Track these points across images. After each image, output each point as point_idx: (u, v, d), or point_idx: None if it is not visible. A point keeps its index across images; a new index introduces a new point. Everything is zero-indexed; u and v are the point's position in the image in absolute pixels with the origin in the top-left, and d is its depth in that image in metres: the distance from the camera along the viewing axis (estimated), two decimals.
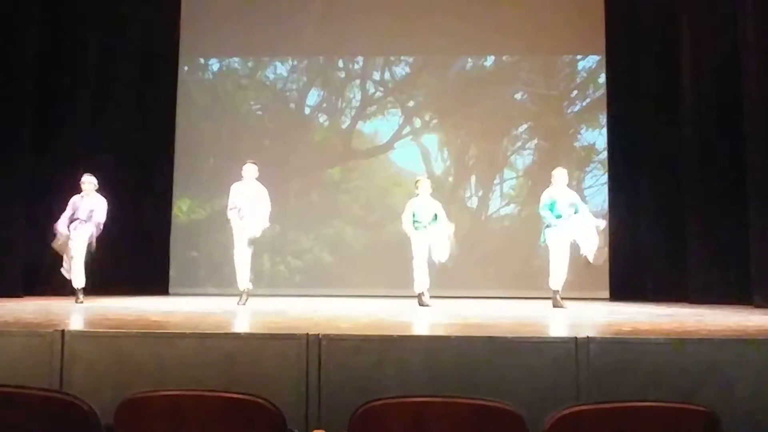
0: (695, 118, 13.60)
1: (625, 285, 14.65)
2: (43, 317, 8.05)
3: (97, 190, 12.48)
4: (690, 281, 13.47)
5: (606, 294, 14.57)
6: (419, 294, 11.77)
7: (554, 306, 11.46)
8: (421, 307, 11.31)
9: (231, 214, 12.07)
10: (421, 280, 11.82)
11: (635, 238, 14.81)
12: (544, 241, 11.91)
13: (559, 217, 11.71)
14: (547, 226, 11.78)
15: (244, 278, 11.98)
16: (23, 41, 13.76)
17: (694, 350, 5.66)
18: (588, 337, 5.70)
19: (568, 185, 12.22)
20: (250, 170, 12.27)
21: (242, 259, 11.99)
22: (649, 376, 5.54)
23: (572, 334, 5.81)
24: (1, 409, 3.46)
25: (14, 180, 12.27)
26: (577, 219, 11.75)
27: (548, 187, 12.07)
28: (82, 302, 11.79)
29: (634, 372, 5.56)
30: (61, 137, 14.57)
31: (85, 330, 6.11)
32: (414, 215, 12.14)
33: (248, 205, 11.97)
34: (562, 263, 11.66)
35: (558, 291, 11.66)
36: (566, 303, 11.46)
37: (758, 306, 11.45)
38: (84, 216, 12.22)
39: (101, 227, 12.42)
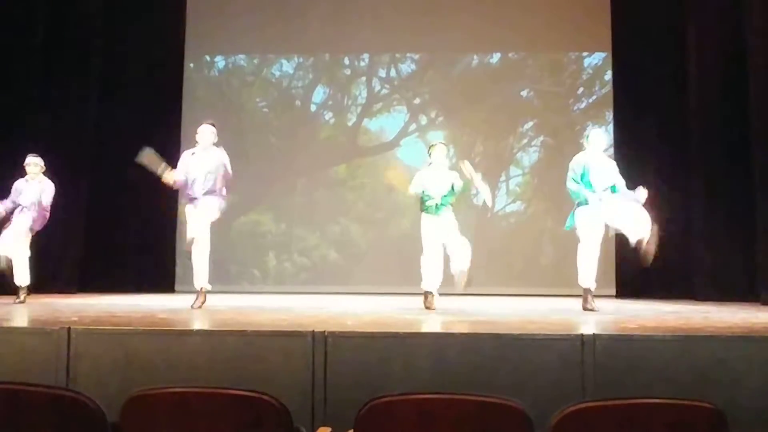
0: (701, 114, 13.61)
1: (631, 282, 14.63)
2: (50, 315, 8.07)
3: (44, 173, 11.23)
4: (696, 278, 13.47)
5: (612, 291, 14.57)
6: (425, 293, 10.01)
7: (584, 308, 9.52)
8: (426, 309, 9.73)
9: (176, 176, 9.88)
10: (430, 277, 9.95)
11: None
12: (571, 225, 9.69)
13: (592, 190, 9.41)
14: (579, 204, 9.53)
15: (200, 275, 10.04)
16: (27, 38, 13.77)
17: (701, 347, 5.66)
18: (594, 334, 5.71)
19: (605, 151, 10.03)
20: (205, 133, 10.15)
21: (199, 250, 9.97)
22: (655, 373, 5.54)
23: (578, 331, 5.82)
24: (9, 406, 3.47)
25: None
26: (615, 198, 9.41)
27: (579, 152, 9.82)
28: (23, 302, 10.72)
29: (641, 369, 5.56)
30: (65, 136, 14.58)
31: (91, 327, 6.10)
32: (424, 190, 10.02)
33: (202, 179, 9.90)
34: (593, 253, 9.47)
35: (590, 289, 9.60)
36: (592, 302, 9.59)
37: (765, 303, 11.44)
38: (27, 202, 10.90)
39: (46, 213, 11.08)
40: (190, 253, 10.14)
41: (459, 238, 9.90)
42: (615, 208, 9.28)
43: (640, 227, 9.08)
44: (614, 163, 9.88)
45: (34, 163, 11.11)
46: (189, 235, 9.91)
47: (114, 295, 13.06)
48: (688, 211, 13.91)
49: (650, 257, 9.18)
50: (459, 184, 10.08)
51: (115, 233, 15.45)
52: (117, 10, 15.76)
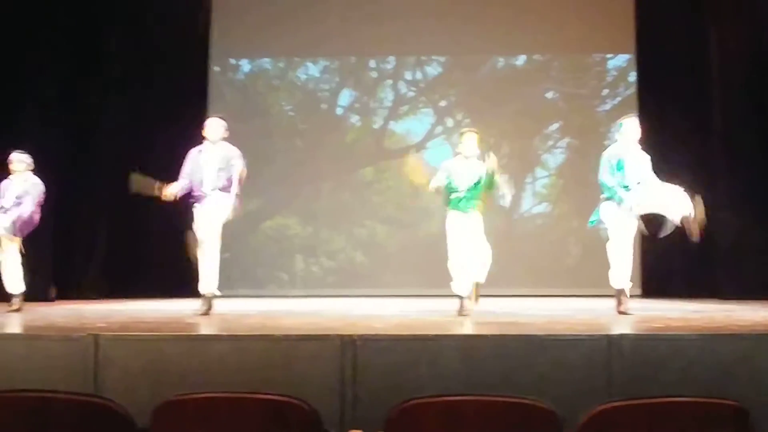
0: (725, 115, 13.62)
1: (656, 281, 14.63)
2: (76, 321, 8.12)
3: (33, 171, 10.34)
4: (720, 277, 13.46)
5: (638, 290, 14.53)
6: (459, 299, 9.08)
7: (618, 311, 8.82)
8: (460, 316, 8.77)
9: (176, 187, 9.20)
10: (460, 280, 9.08)
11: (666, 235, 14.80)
12: (596, 221, 9.08)
13: (625, 187, 8.77)
14: (608, 198, 8.87)
15: (208, 279, 9.32)
16: (52, 44, 13.81)
17: (725, 346, 5.67)
18: (620, 334, 5.73)
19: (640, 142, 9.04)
20: (212, 127, 9.47)
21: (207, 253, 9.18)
22: (680, 372, 5.55)
23: (605, 332, 5.83)
24: (38, 414, 3.51)
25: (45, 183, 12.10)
26: (645, 188, 8.78)
27: (612, 145, 9.31)
28: (17, 310, 9.91)
29: (666, 368, 5.57)
30: (91, 142, 14.70)
31: (118, 334, 6.14)
32: (450, 181, 9.12)
33: (213, 176, 9.15)
34: (625, 251, 8.84)
35: (623, 291, 8.94)
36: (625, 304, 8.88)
37: None
38: (9, 203, 9.98)
39: (34, 216, 10.14)
40: (195, 258, 9.25)
41: (482, 244, 9.28)
42: (648, 194, 8.74)
43: (681, 203, 8.63)
44: (648, 157, 9.13)
45: (18, 160, 10.21)
46: (199, 236, 9.09)
47: (139, 301, 13.11)
48: (712, 211, 13.89)
49: (697, 230, 8.73)
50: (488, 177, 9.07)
51: (140, 238, 15.53)
52: (141, 14, 15.86)
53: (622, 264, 8.88)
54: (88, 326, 7.02)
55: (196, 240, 9.05)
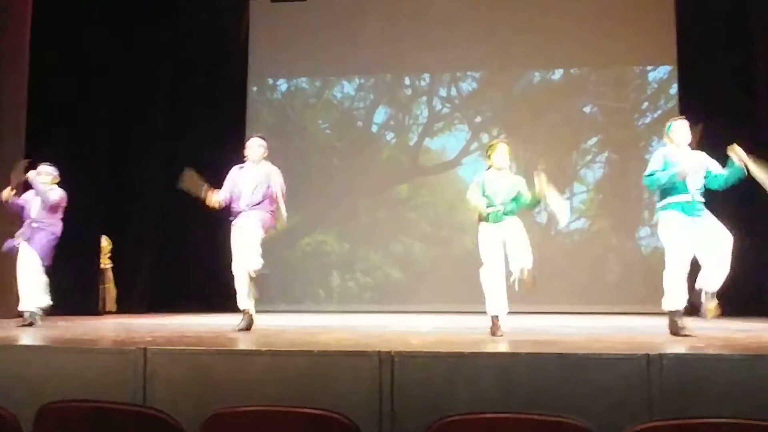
0: None
1: (700, 299, 14.52)
2: (125, 335, 8.21)
3: (59, 183, 10.14)
4: (767, 295, 13.35)
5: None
6: (492, 318, 8.60)
7: (671, 332, 8.15)
8: (493, 336, 8.30)
9: (220, 196, 9.24)
10: (496, 299, 8.56)
11: None
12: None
13: (677, 189, 8.21)
14: (662, 208, 8.30)
15: (241, 295, 9.36)
16: (99, 67, 13.93)
17: None
18: (660, 353, 5.68)
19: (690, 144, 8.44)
20: (253, 147, 9.55)
21: (240, 271, 9.20)
22: (723, 393, 5.47)
23: (644, 351, 5.79)
24: (94, 423, 3.57)
25: (90, 203, 12.17)
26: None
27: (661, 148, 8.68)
28: (31, 324, 9.69)
29: (708, 389, 5.50)
30: (131, 163, 14.85)
31: (166, 348, 6.21)
32: (484, 193, 8.61)
33: (249, 194, 9.20)
34: (676, 267, 8.11)
35: (676, 312, 8.19)
36: (687, 324, 8.22)
37: None
38: (34, 214, 9.89)
39: (56, 230, 9.97)
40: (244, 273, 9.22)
41: (522, 241, 8.44)
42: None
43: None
44: (701, 159, 8.54)
45: (45, 173, 10.05)
46: (235, 252, 9.13)
47: (183, 315, 13.25)
48: (757, 226, 13.78)
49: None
50: (527, 194, 8.63)
51: (182, 253, 15.67)
52: (180, 36, 16.02)
53: (672, 280, 8.14)
54: (137, 340, 7.11)
55: None
